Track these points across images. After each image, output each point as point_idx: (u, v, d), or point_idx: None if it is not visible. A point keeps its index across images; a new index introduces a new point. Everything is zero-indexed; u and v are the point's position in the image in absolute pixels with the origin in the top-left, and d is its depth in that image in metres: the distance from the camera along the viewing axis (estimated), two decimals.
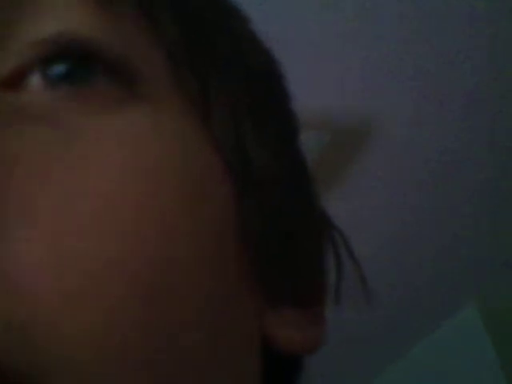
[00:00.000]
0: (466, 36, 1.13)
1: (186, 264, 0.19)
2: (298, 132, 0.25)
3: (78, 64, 0.19)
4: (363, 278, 0.24)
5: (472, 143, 1.35)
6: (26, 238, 0.16)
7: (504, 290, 1.63)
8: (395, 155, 1.35)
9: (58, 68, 0.19)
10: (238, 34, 0.24)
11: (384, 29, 1.12)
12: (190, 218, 0.19)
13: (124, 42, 0.20)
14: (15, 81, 0.19)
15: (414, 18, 1.10)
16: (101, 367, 0.16)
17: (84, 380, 0.16)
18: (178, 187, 0.19)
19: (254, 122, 0.22)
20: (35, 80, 0.19)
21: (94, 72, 0.20)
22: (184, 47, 0.22)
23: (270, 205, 0.22)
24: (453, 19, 1.10)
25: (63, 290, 0.16)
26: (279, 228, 0.22)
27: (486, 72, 1.20)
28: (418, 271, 1.63)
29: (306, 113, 1.05)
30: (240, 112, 0.22)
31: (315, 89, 1.19)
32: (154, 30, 0.21)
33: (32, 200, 0.17)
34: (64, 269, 0.16)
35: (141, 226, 0.18)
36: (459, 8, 1.08)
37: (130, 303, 0.17)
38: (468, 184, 1.43)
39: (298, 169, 0.25)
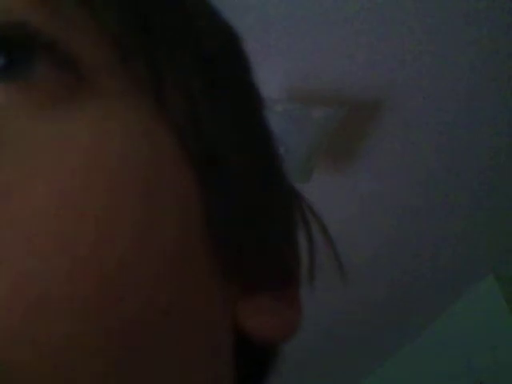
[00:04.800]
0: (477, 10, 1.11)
1: (149, 259, 0.18)
2: (261, 107, 0.24)
3: (14, 53, 0.18)
4: (337, 256, 0.23)
5: (484, 113, 1.33)
6: None
7: None
8: (409, 129, 1.34)
9: None
10: (192, 13, 0.23)
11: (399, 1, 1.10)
12: (152, 211, 0.18)
13: (64, 27, 0.19)
14: None
15: None
16: None
17: None
18: (138, 186, 0.18)
19: (211, 102, 0.21)
20: None
21: (33, 61, 0.18)
22: (131, 31, 0.20)
23: (234, 188, 0.21)
24: None
25: (14, 319, 0.15)
26: (245, 211, 0.21)
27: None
28: (438, 244, 1.62)
29: (323, 88, 1.03)
30: (195, 94, 0.21)
31: (332, 64, 1.18)
32: (96, 14, 0.20)
33: None
34: (16, 297, 0.15)
35: (98, 243, 0.17)
36: None
37: (86, 321, 0.16)
38: (484, 152, 1.42)
39: (262, 146, 0.23)
